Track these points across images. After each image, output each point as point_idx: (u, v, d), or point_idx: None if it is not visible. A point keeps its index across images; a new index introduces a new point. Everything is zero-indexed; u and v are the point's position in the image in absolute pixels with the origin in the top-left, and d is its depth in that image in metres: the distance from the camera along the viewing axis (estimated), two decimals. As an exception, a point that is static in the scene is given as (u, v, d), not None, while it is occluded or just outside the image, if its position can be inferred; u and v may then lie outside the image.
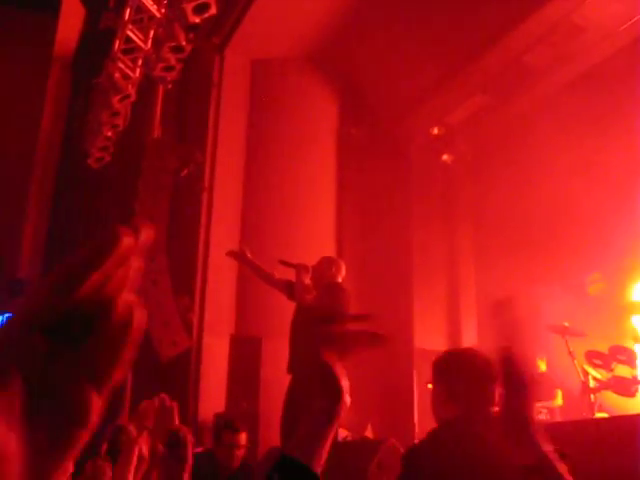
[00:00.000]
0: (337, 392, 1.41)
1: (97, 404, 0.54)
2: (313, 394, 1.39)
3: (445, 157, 11.06)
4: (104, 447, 7.95)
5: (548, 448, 1.33)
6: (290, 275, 6.43)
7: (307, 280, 6.35)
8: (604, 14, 8.37)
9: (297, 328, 6.30)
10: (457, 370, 2.80)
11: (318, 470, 1.32)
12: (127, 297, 0.57)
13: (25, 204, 13.41)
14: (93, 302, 0.54)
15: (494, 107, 10.18)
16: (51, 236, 13.52)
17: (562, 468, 1.32)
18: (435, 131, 10.92)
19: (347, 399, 1.40)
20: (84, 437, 0.54)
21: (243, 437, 5.39)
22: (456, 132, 10.98)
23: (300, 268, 6.34)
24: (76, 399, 0.53)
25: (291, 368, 6.19)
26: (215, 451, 5.36)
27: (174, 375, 9.41)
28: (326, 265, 6.44)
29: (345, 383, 1.40)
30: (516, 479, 1.31)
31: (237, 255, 7.05)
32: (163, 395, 4.04)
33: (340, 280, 6.44)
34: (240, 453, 5.35)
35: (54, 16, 13.35)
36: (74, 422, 0.53)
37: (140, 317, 0.57)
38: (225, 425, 5.43)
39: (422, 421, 8.80)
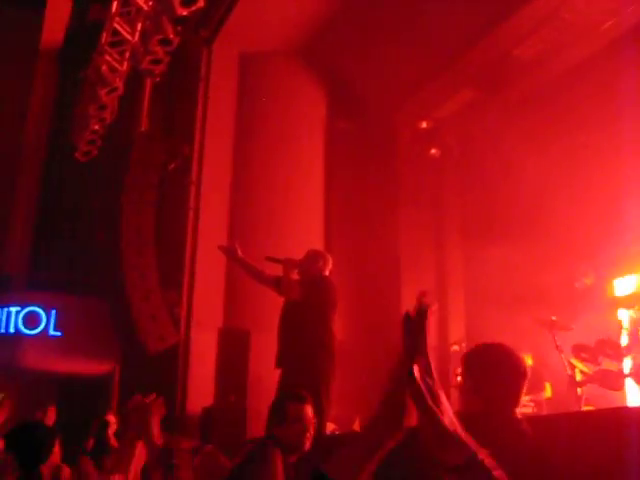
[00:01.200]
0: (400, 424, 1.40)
1: None
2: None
3: (433, 151, 11.07)
4: (90, 443, 7.95)
5: (479, 451, 1.34)
6: (279, 270, 6.41)
7: (294, 275, 6.33)
8: (592, 7, 8.39)
9: (286, 322, 6.29)
10: (485, 365, 2.79)
11: None
12: None
13: (12, 198, 13.33)
14: None
15: (482, 101, 10.19)
16: (39, 231, 13.45)
17: (491, 464, 1.32)
18: (423, 125, 10.93)
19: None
20: None
21: (309, 410, 4.11)
22: (444, 126, 10.99)
23: (287, 263, 6.33)
24: None
25: (280, 362, 6.19)
26: (277, 432, 3.97)
27: (162, 369, 9.40)
28: (313, 258, 6.43)
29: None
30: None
31: (227, 251, 7.02)
32: (137, 396, 4.06)
33: (327, 273, 6.43)
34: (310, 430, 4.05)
35: (40, 9, 13.26)
36: None
37: None
38: (288, 396, 4.28)
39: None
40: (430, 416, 1.32)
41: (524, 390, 2.80)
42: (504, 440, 2.53)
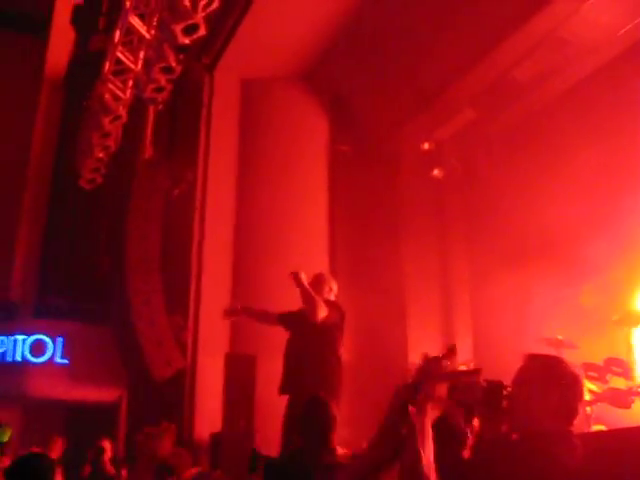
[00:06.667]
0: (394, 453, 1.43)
1: None
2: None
3: (436, 172, 11.09)
4: (86, 469, 7.94)
5: None
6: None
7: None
8: (589, 28, 8.44)
9: (293, 347, 6.28)
10: (547, 377, 2.70)
11: None
12: None
13: (17, 225, 13.38)
14: None
15: (483, 122, 10.23)
16: (44, 258, 13.49)
17: None
18: (425, 146, 10.96)
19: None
20: None
21: None
22: (446, 147, 11.02)
23: (303, 283, 6.19)
24: None
25: (285, 388, 6.16)
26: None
27: (169, 395, 9.38)
28: (321, 283, 6.42)
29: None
30: None
31: (232, 312, 7.19)
32: (147, 430, 4.11)
33: (333, 298, 6.43)
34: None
35: (45, 38, 13.39)
36: None
37: None
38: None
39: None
40: (414, 456, 1.35)
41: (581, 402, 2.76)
42: (562, 457, 2.52)
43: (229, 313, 7.25)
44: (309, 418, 4.08)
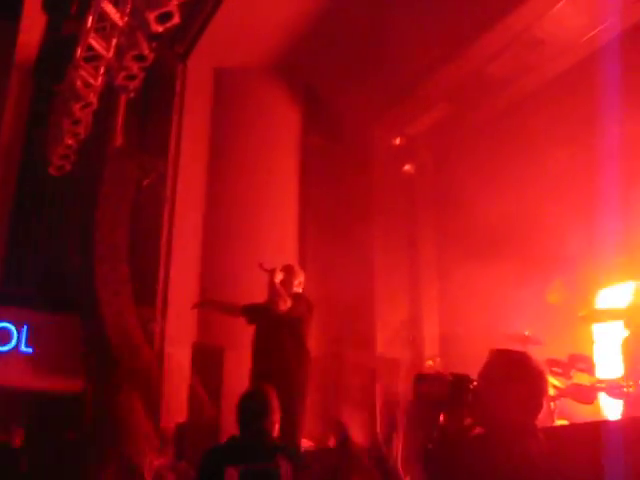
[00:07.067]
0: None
1: None
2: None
3: (407, 167, 11.13)
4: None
5: None
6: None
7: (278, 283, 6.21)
8: (563, 27, 8.52)
9: (260, 339, 6.27)
10: (509, 372, 2.75)
11: None
12: None
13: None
14: None
15: (456, 117, 10.28)
16: (10, 245, 13.31)
17: None
18: (397, 141, 10.99)
19: None
20: None
21: None
22: (418, 142, 11.06)
23: (272, 273, 6.20)
24: None
25: (254, 379, 6.15)
26: None
27: (136, 385, 9.32)
28: (291, 274, 6.41)
29: None
30: None
31: (199, 305, 7.58)
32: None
33: (301, 290, 6.43)
34: None
35: (14, 22, 13.17)
36: None
37: None
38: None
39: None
40: None
41: (545, 397, 2.79)
42: (528, 450, 2.55)
43: (196, 306, 7.28)
44: (243, 408, 4.08)
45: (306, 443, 7.25)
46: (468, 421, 2.79)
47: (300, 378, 6.02)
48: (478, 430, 2.75)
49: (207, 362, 9.05)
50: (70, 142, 9.73)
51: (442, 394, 2.79)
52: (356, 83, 10.00)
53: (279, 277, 6.16)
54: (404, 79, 9.70)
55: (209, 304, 7.05)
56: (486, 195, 9.01)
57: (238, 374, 6.79)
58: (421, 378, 2.87)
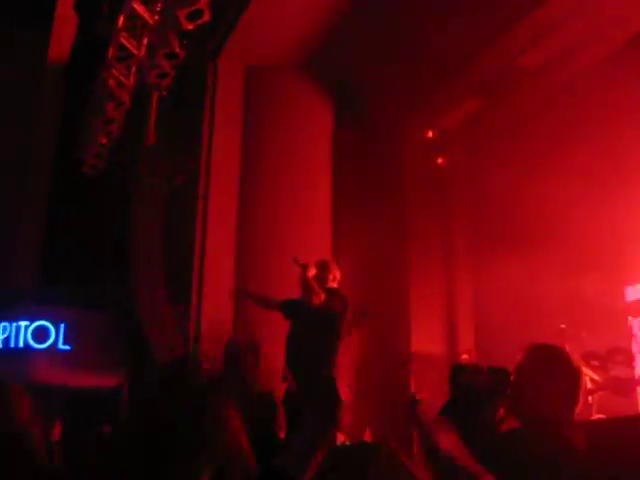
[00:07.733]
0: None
1: None
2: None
3: (440, 160, 11.06)
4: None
5: None
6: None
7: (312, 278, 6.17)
8: (596, 17, 8.39)
9: (296, 334, 6.24)
10: (545, 366, 2.75)
11: None
12: None
13: (21, 213, 13.37)
14: None
15: (488, 110, 10.19)
16: (48, 245, 13.48)
17: None
18: (429, 134, 10.93)
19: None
20: None
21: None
22: (450, 135, 10.98)
23: (306, 268, 6.15)
24: None
25: (285, 377, 6.13)
26: None
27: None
28: (326, 269, 6.35)
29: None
30: None
31: (236, 294, 7.69)
32: None
33: (336, 285, 6.39)
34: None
35: (47, 29, 13.32)
36: None
37: None
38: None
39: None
40: None
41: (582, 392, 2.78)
42: (567, 444, 2.53)
43: (234, 294, 7.32)
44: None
45: (341, 437, 7.25)
46: (501, 412, 2.80)
47: (332, 374, 5.98)
48: (512, 422, 2.75)
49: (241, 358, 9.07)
50: (103, 141, 9.85)
51: (482, 385, 2.79)
52: (388, 77, 9.96)
53: (312, 272, 6.11)
54: (436, 72, 9.63)
55: (246, 293, 7.06)
56: (519, 188, 8.93)
57: (273, 369, 6.80)
58: (461, 369, 2.87)
